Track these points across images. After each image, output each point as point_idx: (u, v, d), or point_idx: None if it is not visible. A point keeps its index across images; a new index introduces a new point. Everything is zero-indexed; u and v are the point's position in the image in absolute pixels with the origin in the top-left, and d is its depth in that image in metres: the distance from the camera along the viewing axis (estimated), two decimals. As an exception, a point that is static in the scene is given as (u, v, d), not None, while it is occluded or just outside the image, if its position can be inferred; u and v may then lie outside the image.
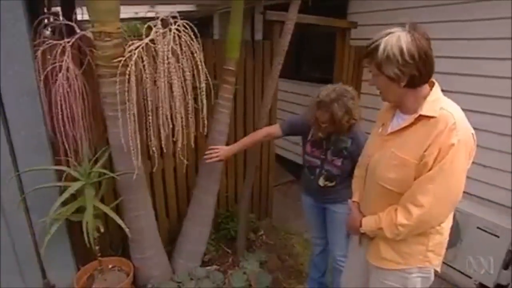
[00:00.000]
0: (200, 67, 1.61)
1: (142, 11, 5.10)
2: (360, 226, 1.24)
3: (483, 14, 2.28)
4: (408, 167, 1.07)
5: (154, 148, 1.62)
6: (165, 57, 1.50)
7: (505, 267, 2.15)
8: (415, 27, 1.03)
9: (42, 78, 1.63)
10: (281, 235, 2.90)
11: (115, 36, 1.57)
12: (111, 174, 1.73)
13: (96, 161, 1.80)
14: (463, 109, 1.07)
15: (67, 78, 1.63)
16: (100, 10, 1.52)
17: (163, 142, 1.65)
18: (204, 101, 1.67)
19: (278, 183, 3.65)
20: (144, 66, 1.51)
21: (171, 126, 1.62)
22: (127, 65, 1.49)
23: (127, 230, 1.75)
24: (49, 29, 1.77)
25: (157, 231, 2.07)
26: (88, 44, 1.73)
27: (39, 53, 1.61)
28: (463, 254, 2.26)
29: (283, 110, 3.75)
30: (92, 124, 1.82)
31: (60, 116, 1.63)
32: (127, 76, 1.48)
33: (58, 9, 2.05)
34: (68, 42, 1.63)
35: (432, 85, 1.11)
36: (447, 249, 1.21)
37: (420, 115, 1.06)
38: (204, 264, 2.34)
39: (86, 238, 1.59)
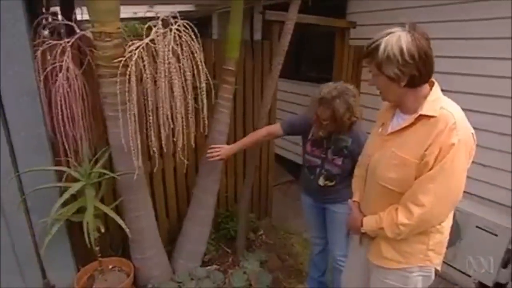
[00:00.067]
0: (200, 67, 1.61)
1: (141, 11, 5.09)
2: (361, 225, 1.25)
3: (480, 14, 2.29)
4: (409, 167, 1.08)
5: (154, 149, 1.62)
6: (166, 57, 1.50)
7: (504, 266, 2.17)
8: (415, 27, 1.03)
9: (42, 78, 1.63)
10: (280, 235, 2.90)
11: (115, 36, 1.57)
12: (112, 174, 1.73)
13: (96, 162, 1.79)
14: (463, 109, 1.08)
15: (67, 78, 1.63)
16: (100, 10, 1.52)
17: (163, 142, 1.66)
18: (205, 101, 1.67)
19: (278, 182, 3.66)
20: (144, 66, 1.51)
21: (171, 126, 1.62)
22: (128, 65, 1.49)
23: (127, 230, 1.75)
24: (48, 29, 1.77)
25: (157, 231, 2.07)
26: (88, 44, 1.73)
27: (39, 53, 1.61)
28: (463, 253, 2.27)
29: (283, 110, 3.76)
30: (92, 124, 1.82)
31: (60, 117, 1.63)
32: (127, 76, 1.48)
33: (57, 9, 2.05)
34: (68, 42, 1.63)
35: (432, 85, 1.11)
36: (446, 248, 1.22)
37: (420, 115, 1.07)
38: (204, 264, 2.35)
39: (86, 239, 1.59)
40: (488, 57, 2.29)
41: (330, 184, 1.75)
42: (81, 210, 1.71)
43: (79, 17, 1.76)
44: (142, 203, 1.92)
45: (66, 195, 1.60)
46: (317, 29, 3.25)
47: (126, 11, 4.92)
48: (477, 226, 2.21)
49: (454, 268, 2.33)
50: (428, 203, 1.04)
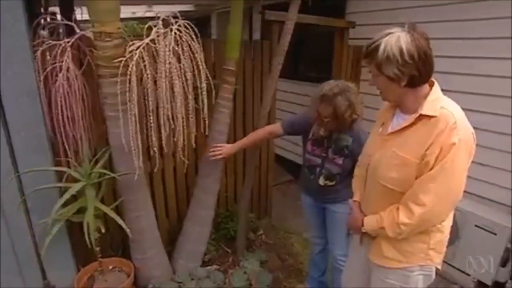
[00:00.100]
0: (201, 67, 1.61)
1: (139, 11, 5.09)
2: (362, 225, 1.25)
3: (480, 14, 2.30)
4: (410, 167, 1.08)
5: (155, 149, 1.62)
6: (167, 57, 1.50)
7: (503, 264, 2.18)
8: (414, 27, 1.04)
9: (42, 78, 1.62)
10: (280, 235, 2.90)
11: (116, 36, 1.57)
12: (113, 175, 1.73)
13: (96, 162, 1.79)
14: (462, 108, 1.08)
15: (67, 79, 1.63)
16: (100, 10, 1.52)
17: (163, 142, 1.66)
18: (205, 101, 1.67)
19: (277, 182, 3.66)
20: (145, 66, 1.51)
21: (172, 126, 1.62)
22: (128, 66, 1.49)
23: (128, 230, 1.75)
24: (46, 29, 1.76)
25: (157, 231, 2.07)
26: (87, 44, 1.73)
27: (38, 53, 1.61)
28: (462, 252, 2.28)
29: (282, 110, 3.76)
30: (92, 125, 1.82)
31: (60, 117, 1.63)
32: (128, 77, 1.48)
33: (55, 8, 2.04)
34: (68, 42, 1.62)
35: (432, 85, 1.12)
36: (446, 247, 1.23)
37: (421, 115, 1.07)
38: (204, 264, 2.35)
39: (87, 239, 1.59)
40: (486, 57, 2.30)
41: (330, 183, 1.75)
42: (81, 211, 1.71)
43: (78, 17, 1.76)
44: (142, 203, 1.92)
45: (66, 195, 1.59)
46: (316, 29, 3.25)
47: (125, 11, 4.90)
48: (476, 225, 2.22)
49: (453, 267, 2.34)
50: (429, 202, 1.05)
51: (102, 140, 1.92)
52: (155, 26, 1.55)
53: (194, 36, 1.60)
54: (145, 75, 1.52)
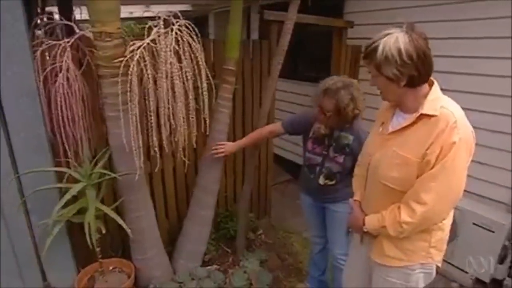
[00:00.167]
0: (201, 66, 1.61)
1: (137, 11, 5.08)
2: (363, 224, 1.26)
3: (477, 14, 2.32)
4: (411, 166, 1.09)
5: (155, 149, 1.62)
6: (167, 57, 1.50)
7: (501, 262, 2.20)
8: (412, 27, 1.04)
9: (41, 78, 1.62)
10: (279, 234, 2.91)
11: (116, 36, 1.57)
12: (114, 175, 1.72)
13: (96, 162, 1.79)
14: (461, 108, 1.09)
15: (67, 79, 1.62)
16: (101, 10, 1.52)
17: (164, 142, 1.65)
18: (206, 101, 1.67)
19: (276, 182, 3.67)
20: (146, 66, 1.51)
21: (173, 126, 1.62)
22: (129, 66, 1.49)
23: (129, 231, 1.75)
24: (46, 29, 1.76)
25: (158, 231, 2.07)
26: (87, 44, 1.72)
27: (38, 53, 1.60)
28: (460, 250, 2.30)
29: (281, 110, 3.77)
30: (92, 125, 1.82)
31: (60, 117, 1.62)
32: (129, 77, 1.48)
33: (53, 8, 2.04)
34: (68, 42, 1.62)
35: (431, 84, 1.13)
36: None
37: (421, 114, 1.08)
38: (204, 264, 2.35)
39: (88, 240, 1.59)
40: (484, 57, 2.32)
41: (330, 183, 1.75)
42: (81, 211, 1.70)
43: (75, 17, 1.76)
44: (142, 203, 1.92)
45: (67, 196, 1.59)
46: (315, 29, 3.26)
47: (122, 11, 4.88)
48: (474, 223, 2.25)
49: (452, 265, 2.36)
50: (430, 201, 1.06)
51: (102, 141, 1.91)
52: (155, 26, 1.55)
53: (194, 36, 1.60)
54: (145, 75, 1.52)
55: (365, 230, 1.26)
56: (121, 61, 1.51)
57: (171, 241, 2.34)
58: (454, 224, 2.26)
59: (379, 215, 1.19)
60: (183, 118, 1.64)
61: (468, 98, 2.34)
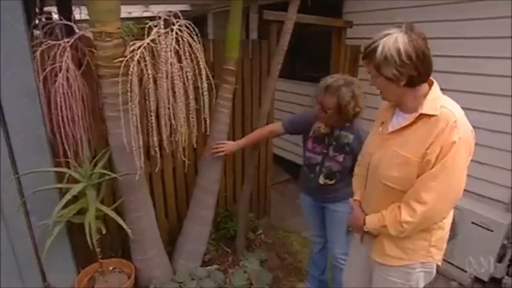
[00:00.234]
0: (202, 66, 1.61)
1: (136, 11, 5.07)
2: (364, 224, 1.26)
3: (476, 14, 2.33)
4: (411, 165, 1.09)
5: (156, 149, 1.62)
6: (168, 57, 1.50)
7: (499, 260, 2.21)
8: (412, 27, 1.05)
9: (41, 78, 1.61)
10: (279, 234, 2.92)
11: (116, 36, 1.56)
12: (114, 175, 1.72)
13: (96, 163, 1.79)
14: (461, 107, 1.10)
15: (67, 79, 1.62)
16: (101, 10, 1.51)
17: (164, 142, 1.65)
18: (206, 101, 1.67)
19: (275, 182, 3.67)
20: (146, 66, 1.51)
21: (174, 126, 1.62)
22: (129, 66, 1.49)
23: (129, 231, 1.75)
24: (41, 29, 1.75)
25: (158, 232, 2.07)
26: (86, 44, 1.72)
27: (38, 53, 1.60)
28: (459, 249, 2.31)
29: (280, 110, 3.77)
30: (92, 125, 1.81)
31: (59, 117, 1.62)
32: (129, 77, 1.48)
33: (52, 8, 2.03)
34: (68, 42, 1.61)
35: (431, 84, 1.13)
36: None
37: (421, 114, 1.09)
38: (204, 264, 2.35)
39: (89, 240, 1.58)
40: (484, 56, 2.33)
41: (330, 182, 1.76)
42: (82, 212, 1.70)
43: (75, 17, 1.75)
44: (142, 203, 1.92)
45: (68, 196, 1.58)
46: (314, 29, 3.26)
47: (121, 11, 4.88)
48: (472, 222, 2.25)
49: (451, 264, 2.37)
50: (431, 200, 1.06)
51: (102, 141, 1.91)
52: (155, 26, 1.55)
53: (195, 36, 1.60)
54: (146, 75, 1.52)
55: (366, 229, 1.26)
56: (121, 61, 1.51)
57: (171, 241, 2.33)
58: (453, 223, 2.24)
59: (380, 214, 1.19)
60: (184, 118, 1.64)
61: (468, 98, 2.34)
